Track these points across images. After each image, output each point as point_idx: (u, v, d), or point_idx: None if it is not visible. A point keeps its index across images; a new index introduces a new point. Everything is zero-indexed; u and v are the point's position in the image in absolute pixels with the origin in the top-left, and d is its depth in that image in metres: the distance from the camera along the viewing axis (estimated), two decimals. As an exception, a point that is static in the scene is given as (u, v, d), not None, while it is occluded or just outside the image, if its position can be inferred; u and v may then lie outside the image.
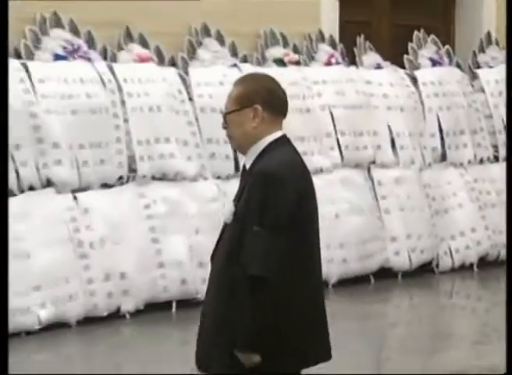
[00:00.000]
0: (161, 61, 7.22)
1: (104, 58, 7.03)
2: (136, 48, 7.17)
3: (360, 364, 5.61)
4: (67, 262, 6.41)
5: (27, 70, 6.54)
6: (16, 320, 6.00)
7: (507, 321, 3.33)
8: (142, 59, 7.14)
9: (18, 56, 6.68)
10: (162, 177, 6.90)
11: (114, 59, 7.06)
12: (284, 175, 3.12)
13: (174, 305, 6.68)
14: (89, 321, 6.42)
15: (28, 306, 6.14)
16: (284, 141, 3.23)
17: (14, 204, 6.16)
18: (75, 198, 6.56)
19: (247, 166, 3.26)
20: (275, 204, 3.09)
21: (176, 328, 6.53)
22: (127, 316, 6.59)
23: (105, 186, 6.74)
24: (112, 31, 7.07)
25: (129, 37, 7.18)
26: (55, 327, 6.36)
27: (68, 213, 6.49)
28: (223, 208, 3.27)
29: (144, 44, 7.20)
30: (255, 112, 3.19)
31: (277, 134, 3.22)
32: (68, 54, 6.93)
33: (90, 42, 7.03)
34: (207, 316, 3.30)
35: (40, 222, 6.35)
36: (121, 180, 6.77)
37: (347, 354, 5.56)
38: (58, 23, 6.93)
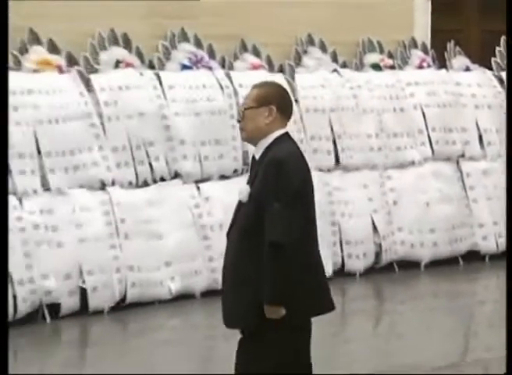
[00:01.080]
0: (271, 68, 8.05)
1: (223, 66, 7.88)
2: (250, 58, 8.01)
3: (450, 338, 6.15)
4: (192, 242, 7.27)
5: (159, 79, 7.44)
6: (151, 291, 6.97)
7: (507, 321, 3.12)
8: (255, 67, 7.96)
9: (152, 67, 7.62)
10: None
11: (231, 68, 7.91)
12: (292, 162, 3.65)
13: None
14: (211, 293, 7.12)
15: (161, 279, 7.04)
16: (287, 136, 3.77)
17: (148, 193, 7.18)
18: (198, 187, 7.41)
19: (257, 156, 3.75)
20: (287, 185, 3.58)
21: None
22: None
23: (223, 177, 7.56)
24: (230, 44, 7.93)
25: (244, 48, 8.04)
26: (183, 298, 7.17)
27: (192, 201, 7.35)
28: (240, 190, 3.91)
29: (256, 54, 8.05)
30: (270, 111, 3.69)
31: (282, 131, 3.74)
32: (192, 64, 7.78)
33: (211, 53, 7.88)
34: (227, 281, 3.76)
35: (169, 208, 7.22)
36: (236, 172, 7.59)
37: (438, 329, 6.23)
38: (184, 38, 7.82)
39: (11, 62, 6.97)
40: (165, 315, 6.95)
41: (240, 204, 3.74)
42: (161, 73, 7.55)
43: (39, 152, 6.81)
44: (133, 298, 7.02)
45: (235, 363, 3.77)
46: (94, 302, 6.77)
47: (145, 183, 7.28)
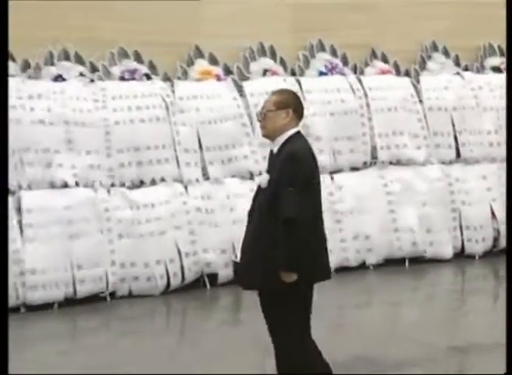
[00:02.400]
0: (398, 73, 8.81)
1: (355, 72, 8.67)
2: (379, 64, 8.78)
3: None
4: (327, 225, 7.81)
5: (300, 84, 8.29)
6: None
7: (507, 321, 3.10)
8: (383, 72, 8.73)
9: (293, 74, 8.47)
10: (397, 163, 8.38)
11: (362, 73, 8.69)
12: (304, 155, 4.16)
13: (407, 261, 8.15)
14: (342, 270, 7.87)
15: None
16: (300, 134, 4.29)
17: None
18: (332, 178, 8.17)
19: (274, 150, 4.28)
20: (299, 173, 4.08)
21: (408, 278, 7.87)
22: (371, 267, 8.09)
23: (354, 169, 8.30)
24: (361, 52, 8.72)
25: (373, 55, 8.82)
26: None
27: (326, 189, 7.94)
28: (261, 177, 4.40)
29: (385, 60, 8.82)
30: (287, 113, 4.25)
31: (296, 130, 4.27)
32: (328, 71, 8.57)
33: (345, 61, 8.69)
34: (248, 250, 4.24)
35: None
36: (366, 165, 8.34)
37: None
38: (322, 48, 8.66)
39: (180, 73, 8.10)
40: None
41: (259, 189, 4.27)
42: (301, 79, 8.37)
43: (200, 147, 7.78)
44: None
45: (264, 317, 4.27)
46: (231, 276, 7.45)
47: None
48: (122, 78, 7.88)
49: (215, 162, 7.84)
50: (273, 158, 4.32)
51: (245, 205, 7.30)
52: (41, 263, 6.88)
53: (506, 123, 8.11)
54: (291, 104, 4.33)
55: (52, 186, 7.21)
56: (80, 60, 7.79)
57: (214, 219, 7.62)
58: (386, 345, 5.67)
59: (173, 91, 7.91)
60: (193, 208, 7.58)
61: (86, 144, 7.42)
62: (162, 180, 7.62)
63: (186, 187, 7.69)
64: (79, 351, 5.97)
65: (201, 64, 8.21)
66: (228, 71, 8.32)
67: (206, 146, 7.83)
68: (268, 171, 4.29)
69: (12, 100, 7.14)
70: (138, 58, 8.02)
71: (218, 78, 8.23)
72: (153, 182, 7.61)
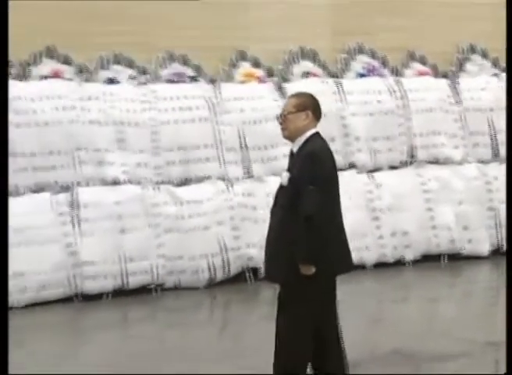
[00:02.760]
0: (435, 74, 8.99)
1: (393, 74, 8.87)
2: (417, 66, 8.99)
3: None
4: (364, 222, 8.20)
5: (339, 85, 8.52)
6: None
7: (507, 321, 3.06)
8: (421, 74, 8.93)
9: (333, 76, 8.70)
10: (435, 161, 8.58)
11: (400, 75, 8.89)
12: (323, 155, 4.31)
13: (444, 257, 8.31)
14: (380, 265, 8.08)
15: None
16: (318, 135, 4.42)
17: None
18: (370, 176, 8.37)
19: (295, 150, 4.40)
20: (319, 172, 4.23)
21: (445, 274, 8.02)
22: (408, 263, 8.25)
23: (392, 168, 8.51)
24: (399, 54, 8.94)
25: (412, 57, 9.02)
26: (356, 268, 7.14)
27: (365, 187, 8.31)
28: (282, 176, 4.49)
29: (423, 62, 9.02)
30: (306, 115, 4.40)
31: (314, 130, 4.40)
32: (367, 72, 8.81)
33: (384, 63, 8.90)
34: (271, 245, 4.40)
35: (345, 193, 7.59)
36: (404, 164, 8.53)
37: None
38: (361, 51, 8.89)
39: (224, 76, 8.39)
40: (339, 281, 7.59)
41: (281, 187, 4.40)
42: (341, 81, 8.63)
43: (242, 147, 8.07)
44: (315, 266, 8.15)
45: (277, 308, 4.42)
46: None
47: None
48: (170, 81, 8.21)
49: (257, 161, 8.13)
50: (293, 157, 4.45)
51: None
52: (94, 256, 7.26)
53: (506, 124, 8.09)
54: (310, 106, 4.46)
55: (104, 183, 7.58)
56: (130, 64, 8.14)
57: (256, 215, 7.88)
58: (424, 340, 5.78)
59: (218, 93, 8.20)
60: (236, 204, 7.88)
61: (135, 144, 7.77)
62: (207, 177, 7.92)
63: (228, 185, 7.98)
64: (128, 339, 6.27)
65: (245, 67, 8.51)
66: (270, 73, 8.60)
67: (249, 145, 8.12)
68: (289, 170, 4.41)
69: (69, 101, 7.54)
70: (185, 62, 8.33)
71: (261, 80, 8.51)
72: (198, 179, 7.92)
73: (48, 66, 7.82)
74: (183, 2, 8.22)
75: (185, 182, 7.93)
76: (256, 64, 8.58)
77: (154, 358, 5.64)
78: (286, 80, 8.56)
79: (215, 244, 7.74)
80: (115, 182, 7.64)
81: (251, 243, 7.82)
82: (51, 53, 7.86)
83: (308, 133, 4.41)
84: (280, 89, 8.42)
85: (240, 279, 7.84)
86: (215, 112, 8.09)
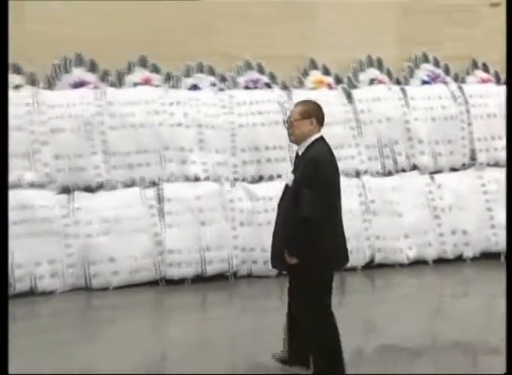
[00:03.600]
0: (497, 81, 9.20)
1: (456, 81, 9.10)
2: (480, 73, 9.21)
3: None
4: (425, 220, 8.36)
5: (404, 92, 8.79)
6: (393, 256, 8.09)
7: (507, 320, 2.98)
8: (483, 81, 9.15)
9: (398, 83, 8.99)
10: (495, 164, 8.75)
11: (463, 82, 9.11)
12: (325, 159, 4.58)
13: (502, 256, 8.33)
14: (441, 261, 8.21)
15: (400, 248, 8.17)
16: (322, 139, 4.71)
17: (392, 180, 8.33)
18: (432, 177, 8.54)
19: (300, 153, 4.69)
20: (318, 176, 4.49)
21: (503, 271, 7.46)
22: (467, 260, 8.43)
23: (453, 170, 8.68)
24: (462, 63, 9.16)
25: (475, 65, 9.22)
26: (418, 264, 8.18)
27: (427, 188, 8.50)
28: (287, 177, 4.79)
29: (485, 70, 9.24)
30: (311, 122, 4.70)
31: (318, 135, 4.70)
32: (431, 80, 9.06)
33: (447, 71, 9.14)
34: (276, 238, 4.74)
35: (408, 192, 8.34)
36: (464, 166, 8.72)
37: None
38: (425, 60, 9.18)
39: (296, 83, 8.76)
40: (403, 276, 7.90)
41: (287, 187, 4.75)
42: (406, 88, 8.89)
43: None
44: (379, 260, 8.18)
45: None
46: (350, 261, 8.13)
47: (390, 173, 8.49)
48: (247, 87, 8.69)
49: None
50: (298, 159, 4.75)
51: (352, 200, 8.10)
52: (178, 245, 7.76)
53: (506, 128, 8.10)
54: (314, 113, 4.75)
55: (186, 179, 8.10)
56: (212, 72, 8.68)
57: None
58: (483, 332, 6.00)
59: (290, 98, 8.56)
60: None
61: (215, 144, 8.25)
62: (278, 176, 8.30)
63: None
64: (205, 321, 6.71)
65: (315, 74, 8.86)
66: (338, 80, 8.91)
67: None
68: (294, 171, 4.72)
69: (158, 106, 8.10)
70: (260, 70, 8.81)
71: (330, 87, 8.82)
72: (270, 178, 8.32)
73: (140, 74, 8.40)
74: (259, 16, 8.69)
75: (259, 180, 8.33)
76: (326, 71, 8.92)
77: (230, 339, 6.02)
78: (353, 86, 8.87)
79: (286, 237, 8.16)
80: (197, 179, 8.12)
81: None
82: (143, 63, 8.43)
83: (313, 138, 4.71)
84: (348, 95, 8.73)
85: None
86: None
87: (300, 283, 4.72)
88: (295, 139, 4.78)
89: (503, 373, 2.80)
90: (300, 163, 4.67)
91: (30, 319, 6.88)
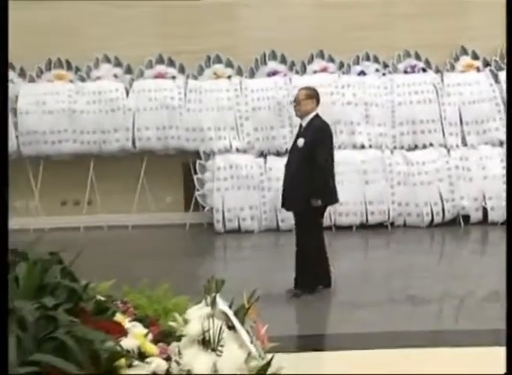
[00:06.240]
0: None
1: None
2: None
3: None
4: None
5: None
6: None
7: (507, 320, 2.81)
8: None
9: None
10: None
11: None
12: (327, 127, 6.18)
13: None
14: None
15: None
16: (318, 115, 6.19)
17: None
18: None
19: (304, 124, 6.18)
20: (327, 137, 6.14)
21: None
22: None
23: None
24: None
25: None
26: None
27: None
28: (298, 141, 6.20)
29: None
30: (313, 102, 6.21)
31: (316, 112, 6.19)
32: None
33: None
34: (288, 186, 6.15)
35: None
36: None
37: None
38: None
39: (448, 67, 9.98)
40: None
41: (295, 148, 6.20)
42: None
43: (461, 122, 9.79)
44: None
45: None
46: (493, 217, 9.32)
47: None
48: (405, 72, 10.19)
49: (471, 133, 9.82)
50: (303, 129, 6.23)
51: (495, 165, 9.44)
52: (346, 198, 9.18)
53: (506, 123, 8.20)
54: (315, 96, 6.29)
55: (354, 147, 9.83)
56: (376, 60, 10.29)
57: (469, 175, 9.58)
58: None
59: (442, 81, 9.98)
60: (453, 166, 9.64)
61: (378, 119, 9.89)
62: (431, 144, 9.78)
63: (448, 151, 9.77)
64: (368, 260, 8.25)
65: (465, 59, 10.13)
66: (487, 64, 10.06)
67: (465, 121, 9.84)
68: (299, 136, 6.18)
69: (331, 89, 9.74)
70: (417, 57, 10.21)
71: (478, 70, 10.02)
72: (424, 146, 9.83)
73: (318, 63, 10.22)
74: (413, 13, 10.14)
75: (414, 148, 9.85)
76: (475, 56, 10.11)
77: (387, 275, 7.23)
78: (500, 68, 9.97)
79: (436, 195, 9.57)
80: (362, 146, 9.82)
81: (464, 196, 9.51)
82: (320, 55, 10.19)
83: (312, 114, 6.24)
84: (495, 76, 9.95)
85: (454, 223, 9.50)
86: (440, 95, 9.88)
87: (308, 217, 6.19)
88: (301, 114, 6.29)
89: (504, 373, 2.80)
90: (306, 131, 6.14)
91: (237, 250, 9.12)
